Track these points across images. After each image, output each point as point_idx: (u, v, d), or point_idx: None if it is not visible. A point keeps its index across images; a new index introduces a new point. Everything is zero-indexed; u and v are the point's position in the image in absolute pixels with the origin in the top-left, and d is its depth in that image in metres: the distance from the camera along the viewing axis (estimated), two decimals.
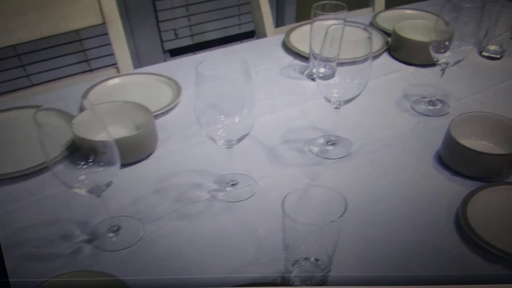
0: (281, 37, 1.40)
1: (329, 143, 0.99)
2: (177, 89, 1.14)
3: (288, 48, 1.34)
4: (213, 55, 1.44)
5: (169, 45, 2.72)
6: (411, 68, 1.27)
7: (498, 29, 1.29)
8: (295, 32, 1.41)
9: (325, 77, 0.89)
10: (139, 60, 2.56)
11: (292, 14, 2.90)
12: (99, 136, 0.69)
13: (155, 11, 2.56)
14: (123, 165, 0.73)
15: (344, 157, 0.97)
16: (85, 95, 1.12)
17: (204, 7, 2.68)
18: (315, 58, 1.02)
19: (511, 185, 0.87)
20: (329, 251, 0.67)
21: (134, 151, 0.94)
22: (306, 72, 1.25)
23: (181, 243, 0.79)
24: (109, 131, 0.69)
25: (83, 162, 0.70)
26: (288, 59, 1.32)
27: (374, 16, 1.50)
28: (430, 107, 1.10)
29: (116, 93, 1.15)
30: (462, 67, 1.08)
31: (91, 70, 2.43)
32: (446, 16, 0.99)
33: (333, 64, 0.86)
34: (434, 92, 1.12)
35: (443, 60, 1.03)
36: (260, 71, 1.25)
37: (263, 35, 1.55)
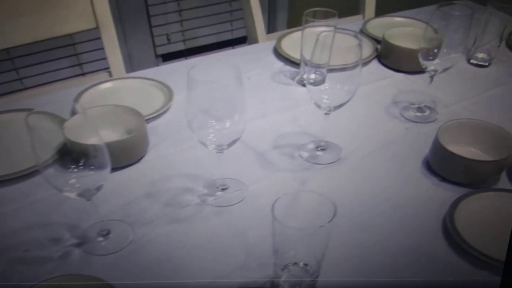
0: (272, 43, 1.41)
1: (319, 149, 1.00)
2: (169, 94, 1.15)
3: (279, 54, 1.35)
4: (205, 60, 1.43)
5: (161, 50, 2.73)
6: (400, 75, 1.28)
7: (486, 37, 1.30)
8: (287, 38, 1.42)
9: (316, 83, 0.90)
10: (132, 65, 2.56)
11: (284, 20, 2.92)
12: (90, 139, 0.69)
13: (148, 16, 2.57)
14: (114, 169, 0.73)
15: (333, 162, 0.97)
16: (77, 99, 1.12)
17: (197, 12, 2.68)
18: (306, 64, 1.02)
19: (499, 191, 0.87)
20: (318, 256, 0.67)
21: (125, 155, 0.94)
22: (297, 78, 1.26)
23: (171, 247, 0.79)
24: (100, 135, 0.69)
25: (73, 166, 0.70)
26: (279, 65, 1.32)
27: (364, 24, 1.51)
28: (419, 114, 1.11)
29: (108, 97, 1.15)
30: (451, 74, 1.09)
31: (83, 74, 2.43)
32: (435, 24, 1.00)
33: (324, 70, 0.87)
34: (423, 99, 1.13)
35: (432, 68, 1.04)
36: (252, 76, 1.25)
37: (255, 41, 1.56)
